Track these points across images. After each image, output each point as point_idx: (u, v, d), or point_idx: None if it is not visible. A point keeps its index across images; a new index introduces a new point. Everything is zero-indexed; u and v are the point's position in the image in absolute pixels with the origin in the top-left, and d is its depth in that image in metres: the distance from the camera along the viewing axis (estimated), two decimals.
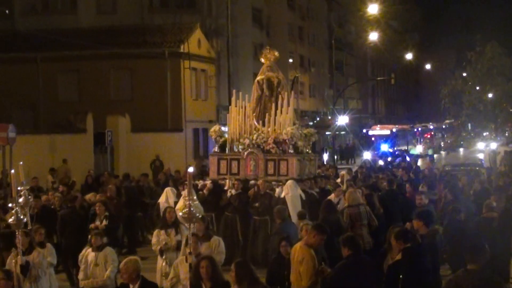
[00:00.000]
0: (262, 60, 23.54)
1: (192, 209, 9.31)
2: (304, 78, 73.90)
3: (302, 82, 73.30)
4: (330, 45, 74.76)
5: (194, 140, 44.42)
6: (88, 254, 14.08)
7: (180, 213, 9.61)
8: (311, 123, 68.42)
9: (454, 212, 15.20)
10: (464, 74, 47.32)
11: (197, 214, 9.55)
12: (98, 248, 14.00)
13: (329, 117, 69.78)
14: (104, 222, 17.79)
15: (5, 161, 26.75)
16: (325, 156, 59.04)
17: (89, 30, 45.38)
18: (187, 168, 32.42)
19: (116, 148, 37.68)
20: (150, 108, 41.00)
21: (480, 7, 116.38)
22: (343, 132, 71.72)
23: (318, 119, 73.61)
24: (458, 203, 17.00)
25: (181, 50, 42.65)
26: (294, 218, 17.34)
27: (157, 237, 15.27)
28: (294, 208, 18.54)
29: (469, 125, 59.97)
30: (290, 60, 70.34)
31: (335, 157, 61.86)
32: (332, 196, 19.48)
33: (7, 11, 48.75)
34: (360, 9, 75.90)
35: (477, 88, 40.92)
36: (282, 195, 19.47)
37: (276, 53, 23.70)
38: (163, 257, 15.03)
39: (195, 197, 9.58)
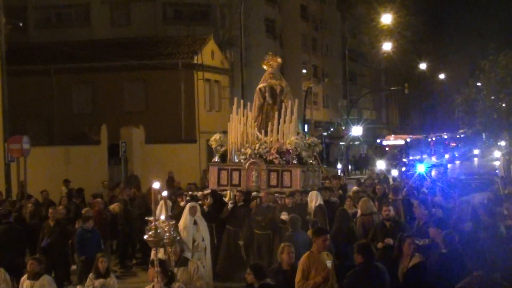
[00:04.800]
0: (265, 66, 22.44)
1: (159, 231, 8.22)
2: (317, 89, 73.96)
3: (316, 93, 73.38)
4: (344, 56, 74.90)
5: (208, 151, 44.39)
6: (24, 282, 12.86)
7: (145, 236, 8.45)
8: (325, 134, 68.60)
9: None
10: (479, 84, 47.22)
11: (175, 236, 8.68)
12: (34, 277, 12.69)
13: (343, 128, 69.79)
14: None
15: (20, 172, 26.90)
16: (339, 166, 58.98)
17: (103, 42, 45.60)
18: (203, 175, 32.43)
19: (130, 159, 37.73)
20: (164, 120, 41.06)
21: (493, 16, 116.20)
22: (357, 143, 71.68)
23: (332, 129, 73.67)
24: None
25: (195, 62, 42.71)
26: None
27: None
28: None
29: (484, 134, 59.82)
30: (304, 71, 70.49)
31: (349, 167, 61.72)
32: (347, 205, 19.38)
33: (21, 24, 49.01)
34: (373, 19, 75.89)
35: (492, 97, 40.75)
36: (312, 204, 18.55)
37: (279, 59, 22.61)
38: None
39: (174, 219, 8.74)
